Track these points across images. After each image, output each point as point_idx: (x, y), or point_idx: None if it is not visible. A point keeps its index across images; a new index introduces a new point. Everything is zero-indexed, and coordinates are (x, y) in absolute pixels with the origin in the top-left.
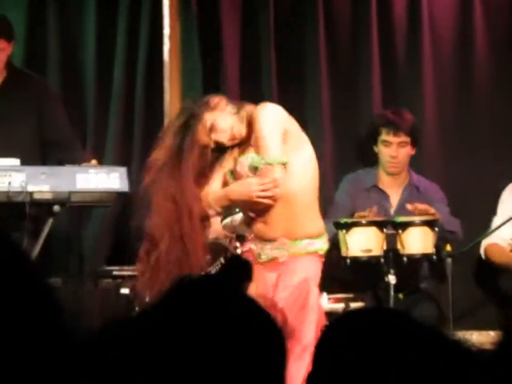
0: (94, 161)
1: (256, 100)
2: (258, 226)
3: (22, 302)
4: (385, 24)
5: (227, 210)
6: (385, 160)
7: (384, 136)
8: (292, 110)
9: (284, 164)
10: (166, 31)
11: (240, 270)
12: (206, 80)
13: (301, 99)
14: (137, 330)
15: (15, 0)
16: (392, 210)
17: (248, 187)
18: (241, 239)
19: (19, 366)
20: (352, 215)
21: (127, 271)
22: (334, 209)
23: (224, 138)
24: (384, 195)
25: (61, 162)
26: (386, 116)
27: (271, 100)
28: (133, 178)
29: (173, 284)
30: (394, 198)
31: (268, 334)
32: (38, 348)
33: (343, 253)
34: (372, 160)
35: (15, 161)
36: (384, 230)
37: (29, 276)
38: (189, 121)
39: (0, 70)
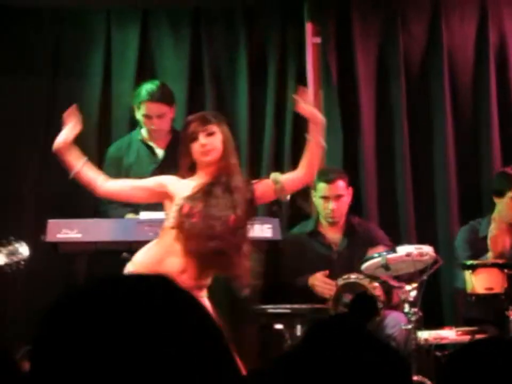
0: None
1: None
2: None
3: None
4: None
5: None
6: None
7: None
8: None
9: None
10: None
11: (366, 307)
12: (346, 142)
13: (430, 156)
14: (280, 372)
15: (177, 73)
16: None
17: None
18: (378, 279)
19: None
20: (470, 259)
21: (280, 308)
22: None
23: None
24: None
25: None
26: (506, 172)
27: (403, 152)
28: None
29: (310, 326)
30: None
31: (393, 367)
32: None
33: (469, 290)
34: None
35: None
36: (505, 270)
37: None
38: None
39: (165, 134)
